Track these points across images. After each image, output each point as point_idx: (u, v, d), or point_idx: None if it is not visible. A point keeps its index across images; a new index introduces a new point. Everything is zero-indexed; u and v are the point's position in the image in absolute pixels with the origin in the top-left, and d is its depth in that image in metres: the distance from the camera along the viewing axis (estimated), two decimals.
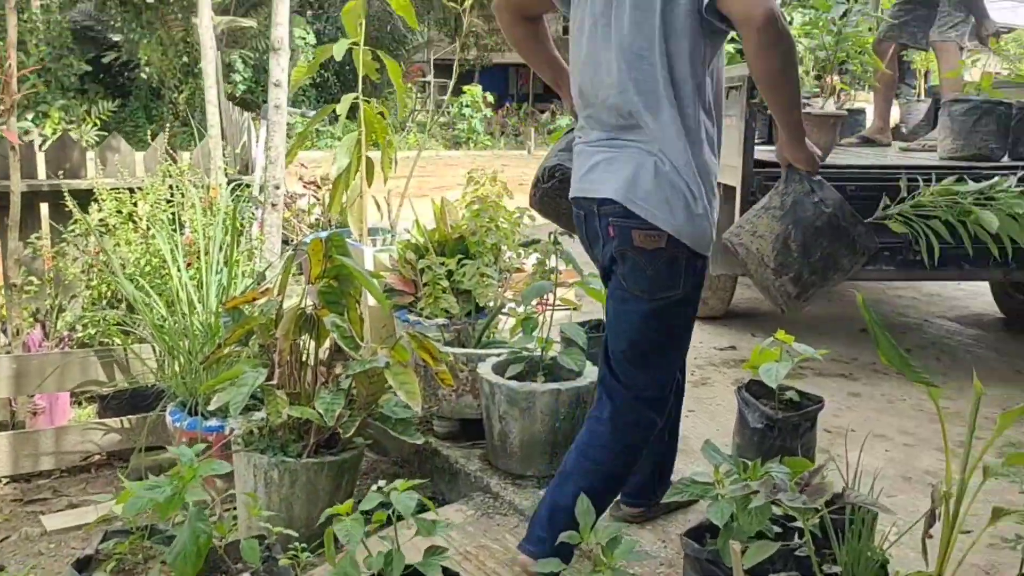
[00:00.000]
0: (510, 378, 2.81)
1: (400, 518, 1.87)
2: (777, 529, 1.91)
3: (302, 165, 6.00)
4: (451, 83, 5.33)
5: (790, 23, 5.49)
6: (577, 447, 2.26)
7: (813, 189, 2.14)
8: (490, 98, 28.01)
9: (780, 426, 2.74)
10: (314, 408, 2.53)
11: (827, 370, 4.07)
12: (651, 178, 2.05)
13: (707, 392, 3.78)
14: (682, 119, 2.06)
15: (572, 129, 2.43)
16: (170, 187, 3.60)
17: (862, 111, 5.85)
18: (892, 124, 5.48)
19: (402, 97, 4.68)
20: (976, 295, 5.58)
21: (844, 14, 4.08)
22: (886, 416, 3.53)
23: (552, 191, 2.49)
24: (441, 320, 3.13)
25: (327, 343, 2.78)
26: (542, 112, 29.35)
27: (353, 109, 3.74)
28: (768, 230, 2.14)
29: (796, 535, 1.93)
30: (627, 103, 2.07)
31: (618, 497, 2.51)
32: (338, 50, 3.53)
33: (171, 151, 4.06)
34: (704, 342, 4.54)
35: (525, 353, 2.92)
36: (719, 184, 4.25)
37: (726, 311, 4.93)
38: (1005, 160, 3.99)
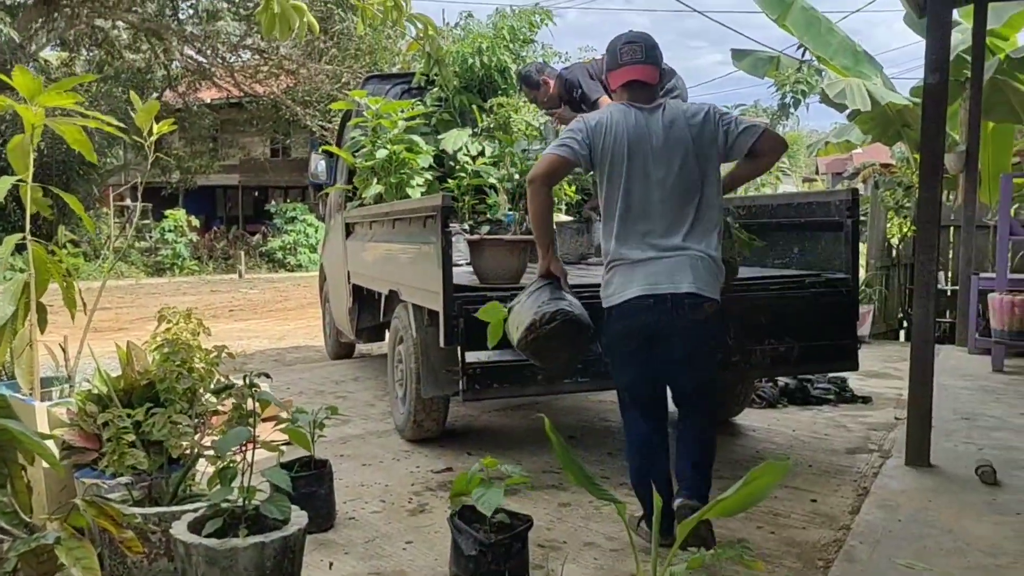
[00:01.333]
0: (208, 535, 2.59)
1: None
2: None
3: None
4: (138, 208, 5.05)
5: (481, 153, 5.88)
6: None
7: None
8: (196, 222, 27.01)
9: (493, 551, 2.77)
10: None
11: (539, 482, 4.20)
12: (703, 271, 3.14)
13: (425, 520, 3.74)
14: (710, 235, 3.20)
15: (548, 282, 3.23)
16: None
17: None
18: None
19: (90, 227, 4.37)
20: None
21: (525, 148, 4.45)
22: (594, 523, 3.68)
23: (552, 332, 3.08)
24: (125, 479, 2.85)
25: None
26: (252, 234, 28.74)
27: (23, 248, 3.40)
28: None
29: None
30: (678, 230, 3.13)
31: None
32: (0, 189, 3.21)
33: None
34: (421, 466, 4.53)
35: (226, 505, 2.72)
36: (426, 310, 4.35)
37: (441, 431, 4.98)
38: None
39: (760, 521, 3.65)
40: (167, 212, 26.09)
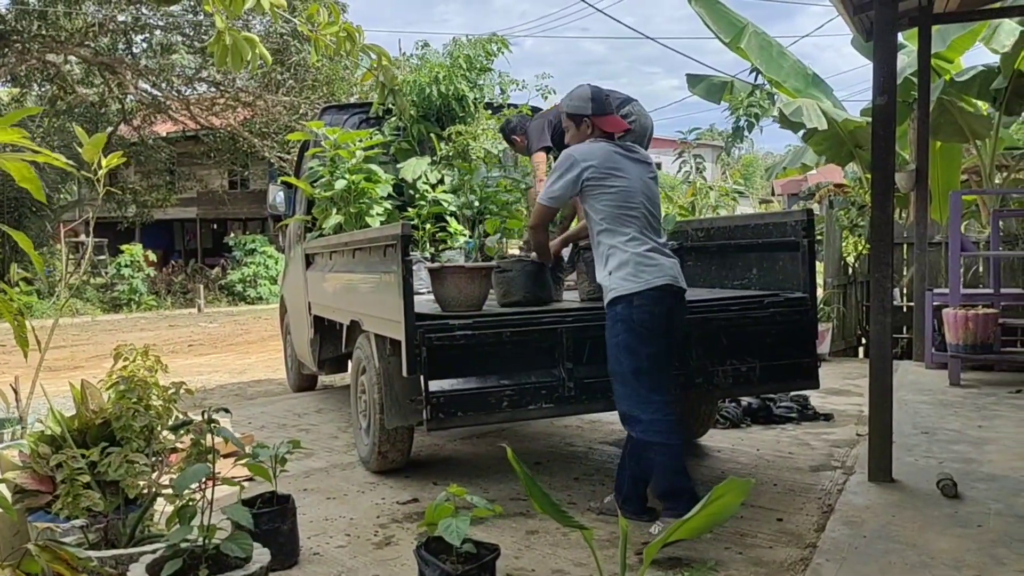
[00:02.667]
0: None
1: None
2: None
3: None
4: (90, 243, 4.97)
5: (440, 181, 5.88)
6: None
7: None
8: (153, 256, 26.63)
9: None
10: None
11: (506, 510, 4.15)
12: None
13: (392, 552, 3.68)
14: None
15: (537, 266, 4.36)
16: None
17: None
18: None
19: (39, 265, 4.28)
20: None
21: (485, 176, 4.47)
22: (562, 550, 3.66)
23: (524, 304, 4.29)
24: (80, 521, 2.77)
25: None
26: (211, 267, 28.39)
27: None
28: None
29: None
30: (661, 232, 3.92)
31: None
32: None
33: None
34: (386, 497, 4.47)
35: (185, 545, 2.65)
36: (388, 339, 4.31)
37: (406, 462, 4.93)
38: None
39: (727, 541, 3.65)
40: (123, 247, 25.68)
